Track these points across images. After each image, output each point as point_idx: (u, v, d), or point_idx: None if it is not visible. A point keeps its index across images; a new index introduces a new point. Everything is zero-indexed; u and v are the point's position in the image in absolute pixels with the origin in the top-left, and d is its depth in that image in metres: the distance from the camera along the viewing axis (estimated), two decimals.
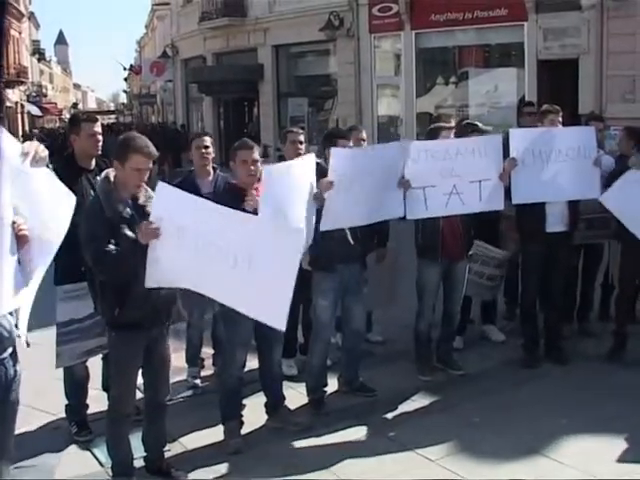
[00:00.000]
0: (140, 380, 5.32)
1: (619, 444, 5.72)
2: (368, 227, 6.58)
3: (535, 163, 6.97)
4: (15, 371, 4.11)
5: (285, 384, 6.45)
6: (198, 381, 7.12)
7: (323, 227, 6.04)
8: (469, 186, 6.75)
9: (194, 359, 7.19)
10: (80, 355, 5.88)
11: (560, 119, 7.35)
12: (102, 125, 6.27)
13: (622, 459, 5.52)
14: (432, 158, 6.67)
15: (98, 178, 5.41)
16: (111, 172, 5.03)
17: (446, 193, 6.70)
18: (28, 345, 4.10)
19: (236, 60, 28.62)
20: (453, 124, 7.30)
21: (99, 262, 4.83)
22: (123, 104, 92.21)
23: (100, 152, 5.93)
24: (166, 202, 4.86)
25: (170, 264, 4.85)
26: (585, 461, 5.47)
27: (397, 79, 21.83)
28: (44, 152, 4.21)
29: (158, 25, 48.50)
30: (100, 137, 5.90)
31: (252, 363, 6.31)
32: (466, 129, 7.74)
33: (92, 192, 5.41)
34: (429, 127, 7.50)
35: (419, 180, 6.63)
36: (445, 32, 20.50)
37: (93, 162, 5.89)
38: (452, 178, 6.69)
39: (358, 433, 6.10)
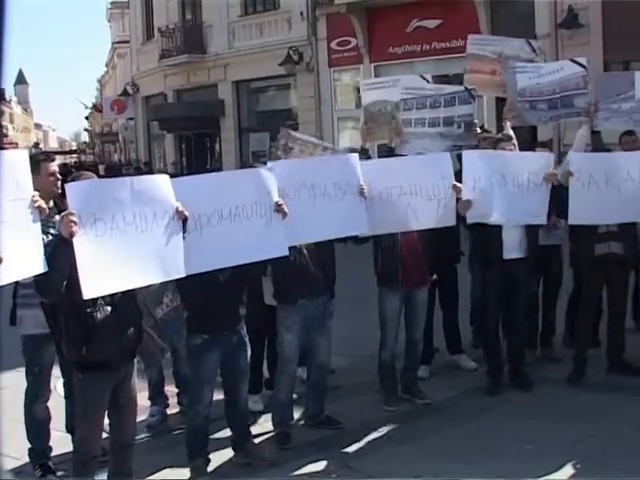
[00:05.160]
0: (106, 420, 5.28)
1: (583, 467, 5.77)
2: (332, 256, 6.63)
3: (487, 185, 7.01)
4: None
5: (251, 419, 6.44)
6: (155, 419, 7.03)
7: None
8: (422, 203, 6.79)
9: (156, 397, 7.12)
10: (44, 324, 5.76)
11: (512, 147, 7.46)
12: (65, 165, 6.29)
13: None
14: (383, 176, 6.75)
15: (57, 217, 5.40)
16: None
17: (402, 209, 6.75)
18: None
19: (197, 96, 28.68)
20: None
21: (41, 281, 4.73)
22: (85, 143, 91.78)
23: (60, 191, 5.90)
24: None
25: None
26: None
27: (357, 111, 21.94)
28: None
29: (118, 63, 48.51)
30: (59, 176, 5.90)
31: (218, 398, 6.28)
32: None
33: (51, 231, 5.36)
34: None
35: (376, 197, 6.67)
36: (404, 64, 20.73)
37: (51, 203, 5.85)
38: (406, 195, 6.75)
39: (325, 466, 6.08)
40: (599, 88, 8.12)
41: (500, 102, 17.96)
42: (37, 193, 4.82)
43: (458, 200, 6.89)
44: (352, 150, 7.84)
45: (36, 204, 4.74)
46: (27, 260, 4.64)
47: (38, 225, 4.77)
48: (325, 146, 7.68)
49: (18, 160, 4.75)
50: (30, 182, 4.78)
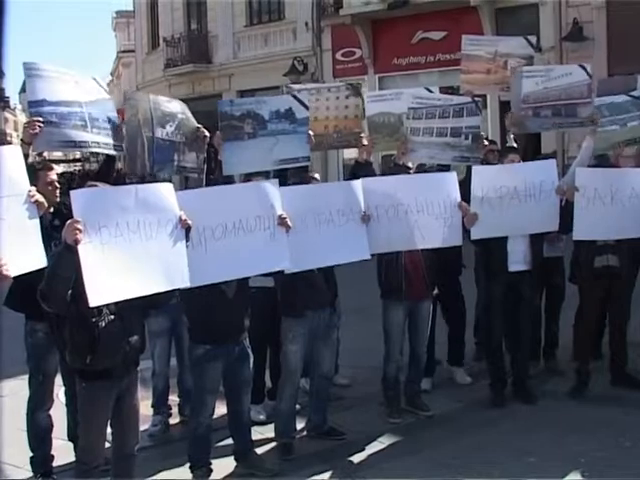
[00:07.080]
0: (109, 430, 5.26)
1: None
2: (332, 271, 6.62)
3: (495, 197, 7.02)
4: None
5: (253, 429, 6.42)
6: (158, 428, 7.03)
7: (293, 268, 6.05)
8: (429, 221, 6.79)
9: (160, 407, 7.13)
10: (57, 144, 5.78)
11: (519, 159, 7.46)
12: (70, 173, 6.28)
13: None
14: (390, 194, 6.74)
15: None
16: None
17: (408, 228, 6.74)
18: None
19: (201, 106, 28.45)
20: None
21: (46, 290, 4.69)
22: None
23: (58, 199, 5.88)
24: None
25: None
26: None
27: (362, 122, 21.99)
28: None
29: (123, 72, 48.69)
30: (57, 184, 5.88)
31: (221, 409, 6.28)
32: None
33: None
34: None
35: (383, 215, 6.68)
36: (409, 75, 20.76)
37: (51, 210, 5.79)
38: (413, 214, 6.75)
39: (327, 477, 6.07)
40: (600, 92, 8.10)
41: (504, 114, 18.10)
42: (34, 188, 4.81)
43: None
44: (356, 161, 7.84)
45: (33, 199, 4.74)
46: (26, 256, 4.64)
47: (36, 221, 4.77)
48: (325, 87, 7.87)
49: (11, 156, 4.74)
50: (25, 178, 4.77)
